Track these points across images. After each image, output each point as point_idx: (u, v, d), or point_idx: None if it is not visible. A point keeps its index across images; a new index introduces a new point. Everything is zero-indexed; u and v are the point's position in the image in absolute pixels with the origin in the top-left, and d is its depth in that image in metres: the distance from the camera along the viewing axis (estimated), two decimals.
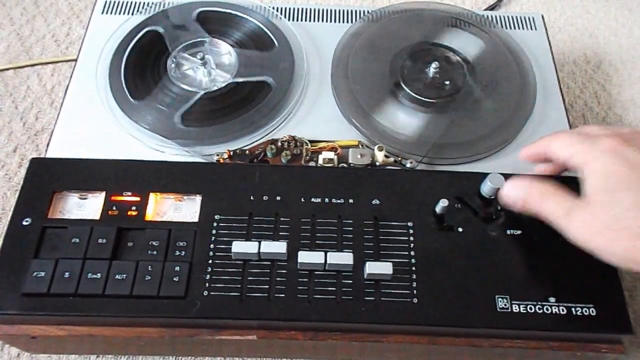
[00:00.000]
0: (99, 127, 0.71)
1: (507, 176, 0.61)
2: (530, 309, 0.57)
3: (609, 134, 0.54)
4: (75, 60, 0.78)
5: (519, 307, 0.57)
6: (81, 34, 1.06)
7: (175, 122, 0.71)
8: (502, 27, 0.83)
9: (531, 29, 0.84)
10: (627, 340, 0.60)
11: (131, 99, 0.72)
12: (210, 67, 0.76)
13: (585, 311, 0.57)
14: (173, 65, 0.76)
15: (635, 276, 0.79)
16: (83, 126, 0.71)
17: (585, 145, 0.54)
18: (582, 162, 0.54)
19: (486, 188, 0.62)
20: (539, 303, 0.58)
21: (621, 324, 0.57)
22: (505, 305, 0.57)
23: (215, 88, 0.74)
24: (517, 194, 0.58)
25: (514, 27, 0.84)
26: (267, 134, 0.71)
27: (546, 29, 0.84)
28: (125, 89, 0.73)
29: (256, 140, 0.70)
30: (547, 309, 0.57)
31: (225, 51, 0.78)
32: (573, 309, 0.57)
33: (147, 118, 0.71)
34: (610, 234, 0.49)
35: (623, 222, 0.49)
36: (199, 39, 0.78)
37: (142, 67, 0.76)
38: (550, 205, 0.54)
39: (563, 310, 0.57)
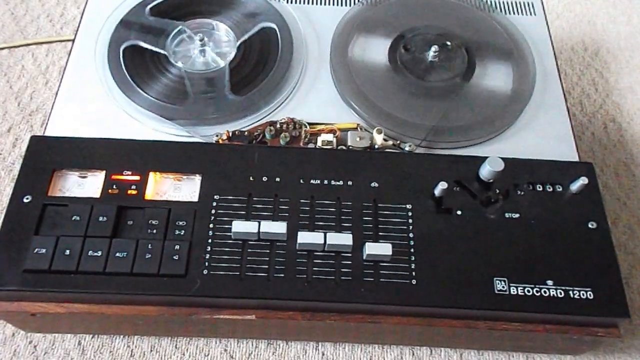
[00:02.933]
0: (97, 107, 0.70)
1: (506, 160, 0.61)
2: (528, 291, 0.58)
3: None
4: (73, 40, 0.77)
5: (517, 290, 0.58)
6: (76, 14, 1.05)
7: (226, 93, 0.72)
8: (501, 11, 0.83)
9: (530, 14, 0.84)
10: (623, 325, 0.60)
11: (142, 91, 0.71)
12: (211, 43, 0.76)
13: (583, 294, 0.58)
14: (178, 59, 0.75)
15: (631, 263, 0.80)
16: (82, 106, 0.70)
17: None
18: None
19: (485, 171, 0.62)
20: (537, 286, 0.58)
21: (618, 308, 0.57)
22: (503, 287, 0.58)
23: (231, 57, 0.75)
24: None
25: (513, 12, 0.84)
26: (266, 116, 0.71)
27: (545, 15, 0.84)
28: (128, 76, 0.73)
29: (255, 122, 0.70)
30: (545, 292, 0.58)
31: (212, 26, 0.78)
32: (570, 292, 0.58)
33: (156, 102, 0.70)
34: None
35: None
36: (177, 29, 0.77)
37: (141, 61, 0.75)
38: None
39: (560, 294, 0.58)
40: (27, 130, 0.89)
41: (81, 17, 0.79)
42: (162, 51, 0.75)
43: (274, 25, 0.77)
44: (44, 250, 0.56)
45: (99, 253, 0.57)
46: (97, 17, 0.78)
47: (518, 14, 0.84)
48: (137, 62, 0.74)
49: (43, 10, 1.06)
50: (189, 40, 0.77)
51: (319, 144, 0.68)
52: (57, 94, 0.71)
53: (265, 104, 0.71)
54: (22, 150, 0.86)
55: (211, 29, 0.78)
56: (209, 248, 0.58)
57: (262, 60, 0.75)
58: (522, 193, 0.63)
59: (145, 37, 0.76)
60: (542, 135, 0.71)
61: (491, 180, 0.63)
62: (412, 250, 0.59)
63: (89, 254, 0.57)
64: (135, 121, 0.69)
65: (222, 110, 0.70)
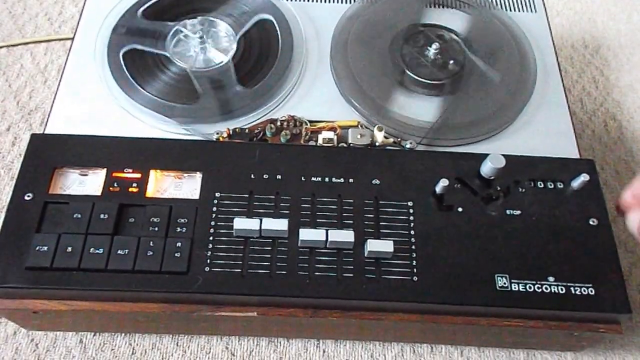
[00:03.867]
0: (97, 105, 0.70)
1: (507, 157, 0.61)
2: (530, 288, 0.58)
3: None
4: (72, 38, 0.77)
5: (518, 286, 0.58)
6: (74, 12, 1.05)
7: (236, 87, 0.72)
8: (501, 8, 0.83)
9: (531, 11, 0.84)
10: (624, 322, 0.60)
11: (142, 89, 0.71)
12: (211, 41, 0.76)
13: (584, 291, 0.58)
14: (180, 59, 0.74)
15: (631, 261, 0.80)
16: (81, 104, 0.70)
17: None
18: None
19: (486, 168, 0.62)
20: (538, 282, 0.58)
21: (619, 304, 0.57)
22: (504, 284, 0.58)
23: (233, 52, 0.75)
24: None
25: (514, 9, 0.84)
26: (267, 114, 0.71)
27: (546, 11, 0.84)
28: (128, 74, 0.72)
29: (256, 120, 0.70)
30: (546, 288, 0.58)
31: (210, 23, 0.78)
32: (572, 289, 0.58)
33: (156, 100, 0.70)
34: None
35: None
36: (172, 30, 0.76)
37: (142, 62, 0.75)
38: None
39: (562, 290, 0.58)
40: (26, 129, 0.89)
41: (80, 15, 0.79)
42: (162, 52, 0.74)
43: (271, 17, 0.77)
44: (45, 248, 0.56)
45: (101, 250, 0.57)
46: (97, 15, 0.78)
47: (518, 10, 0.84)
48: (137, 61, 0.74)
49: (41, 9, 1.05)
50: (186, 40, 0.76)
51: (320, 141, 0.68)
52: (56, 92, 0.71)
53: (265, 101, 0.71)
54: (21, 149, 0.86)
55: (208, 26, 0.78)
56: (210, 245, 0.58)
57: (262, 58, 0.75)
58: (523, 190, 0.63)
59: (143, 41, 0.75)
60: (543, 132, 0.71)
61: (492, 177, 0.63)
62: (413, 247, 0.59)
63: (91, 252, 0.57)
64: (135, 119, 0.69)
65: (233, 104, 0.70)
